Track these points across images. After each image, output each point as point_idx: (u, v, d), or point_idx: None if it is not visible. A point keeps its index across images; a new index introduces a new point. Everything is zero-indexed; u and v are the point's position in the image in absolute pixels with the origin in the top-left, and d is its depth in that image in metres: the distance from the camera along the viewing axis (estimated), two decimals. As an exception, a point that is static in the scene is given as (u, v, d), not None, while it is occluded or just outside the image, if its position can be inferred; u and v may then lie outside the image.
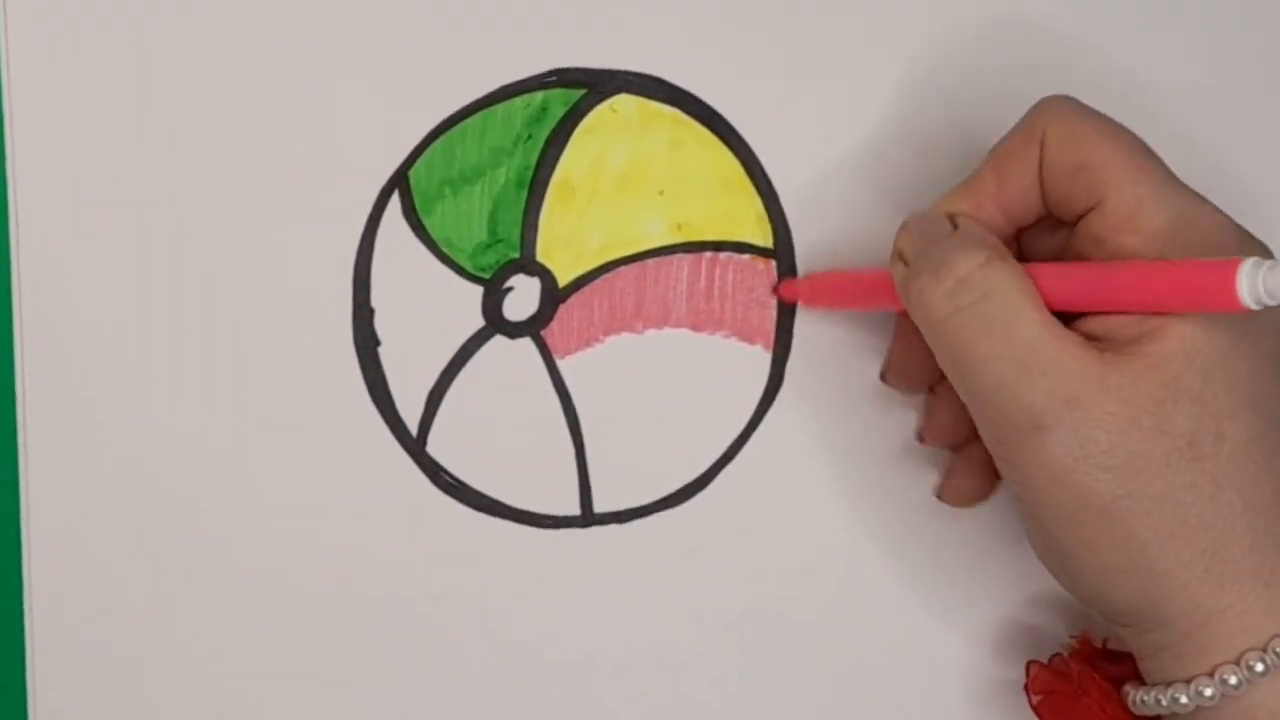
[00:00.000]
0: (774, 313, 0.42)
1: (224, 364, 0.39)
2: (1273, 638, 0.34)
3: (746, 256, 0.42)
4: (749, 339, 0.42)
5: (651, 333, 0.42)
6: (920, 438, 0.42)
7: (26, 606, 0.38)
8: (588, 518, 0.41)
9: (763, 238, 0.42)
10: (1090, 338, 0.35)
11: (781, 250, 0.42)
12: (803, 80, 0.42)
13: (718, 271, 0.42)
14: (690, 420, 0.42)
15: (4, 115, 0.37)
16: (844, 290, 0.41)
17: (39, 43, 0.37)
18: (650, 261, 0.42)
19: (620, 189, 0.41)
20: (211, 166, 0.38)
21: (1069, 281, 0.36)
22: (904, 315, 0.39)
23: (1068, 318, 0.36)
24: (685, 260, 0.42)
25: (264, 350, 0.39)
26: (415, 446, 0.40)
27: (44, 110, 0.37)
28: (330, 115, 0.39)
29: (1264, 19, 0.45)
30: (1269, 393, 0.35)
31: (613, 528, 0.41)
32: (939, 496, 0.42)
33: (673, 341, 0.42)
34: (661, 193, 0.41)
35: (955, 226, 0.37)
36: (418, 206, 0.40)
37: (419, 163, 0.40)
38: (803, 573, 0.42)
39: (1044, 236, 0.39)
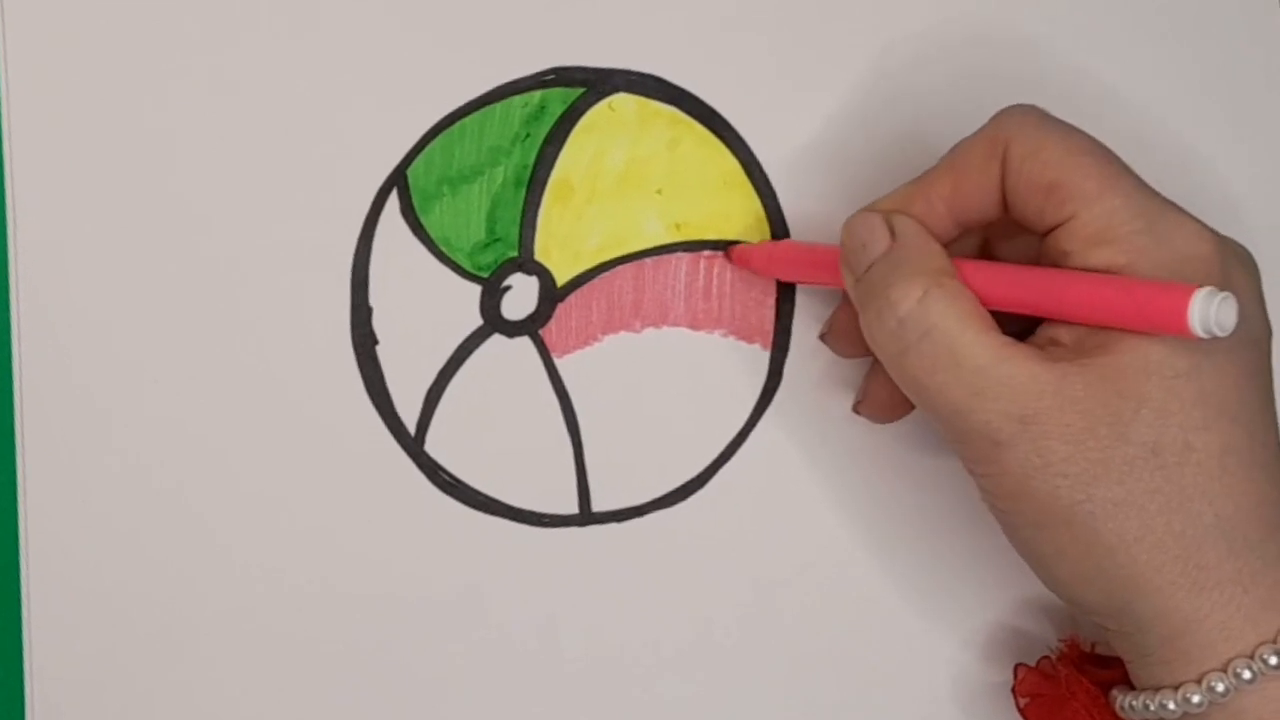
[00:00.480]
0: (772, 312, 0.42)
1: (222, 363, 0.39)
2: (1259, 645, 0.34)
3: (745, 256, 0.42)
4: (747, 338, 0.42)
5: (650, 331, 0.42)
6: (855, 409, 0.42)
7: (25, 606, 0.38)
8: (586, 516, 0.41)
9: (761, 237, 0.42)
10: (1055, 343, 0.35)
11: (779, 249, 0.42)
12: (801, 79, 0.42)
13: (716, 270, 0.42)
14: (688, 419, 0.42)
15: (3, 115, 0.37)
16: (795, 262, 0.41)
17: (38, 43, 0.37)
18: (648, 260, 0.41)
19: (618, 188, 0.41)
20: (210, 165, 0.38)
21: (1025, 291, 0.35)
22: None
23: (1034, 320, 0.36)
24: (683, 259, 0.42)
25: (262, 349, 0.39)
26: (413, 445, 0.40)
27: (43, 110, 0.37)
28: (329, 114, 0.39)
29: (1243, 24, 0.45)
30: (1248, 404, 0.35)
31: (611, 526, 0.42)
32: (856, 410, 0.42)
33: (671, 340, 0.42)
34: (660, 192, 0.41)
35: (894, 233, 0.37)
36: (416, 205, 0.40)
37: (417, 161, 0.40)
38: (798, 573, 0.43)
39: (1012, 238, 0.39)
